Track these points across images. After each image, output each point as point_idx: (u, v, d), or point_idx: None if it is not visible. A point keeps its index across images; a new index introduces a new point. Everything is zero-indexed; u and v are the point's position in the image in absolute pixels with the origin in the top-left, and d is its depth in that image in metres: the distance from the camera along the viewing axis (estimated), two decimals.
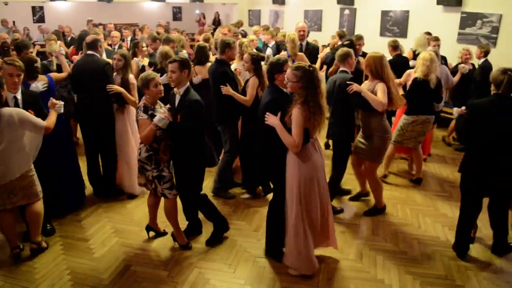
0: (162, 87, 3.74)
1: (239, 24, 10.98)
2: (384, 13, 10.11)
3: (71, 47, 8.13)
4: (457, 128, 4.24)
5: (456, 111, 4.27)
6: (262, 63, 4.76)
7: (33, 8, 15.08)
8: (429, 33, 7.48)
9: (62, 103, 3.89)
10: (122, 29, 9.31)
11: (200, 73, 5.35)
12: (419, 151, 5.44)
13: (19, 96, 3.75)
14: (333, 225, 3.79)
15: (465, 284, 3.53)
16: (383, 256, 3.91)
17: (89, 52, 4.78)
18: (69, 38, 9.81)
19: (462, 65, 6.21)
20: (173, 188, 3.81)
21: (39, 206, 3.74)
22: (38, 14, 15.22)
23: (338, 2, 11.33)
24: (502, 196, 3.80)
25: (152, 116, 3.60)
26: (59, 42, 9.48)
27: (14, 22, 13.30)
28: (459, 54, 6.65)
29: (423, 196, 5.17)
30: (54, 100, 3.84)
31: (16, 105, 3.69)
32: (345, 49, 4.71)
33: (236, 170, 5.46)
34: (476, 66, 6.67)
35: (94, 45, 4.79)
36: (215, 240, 4.05)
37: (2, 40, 6.65)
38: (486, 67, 6.36)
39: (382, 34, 10.18)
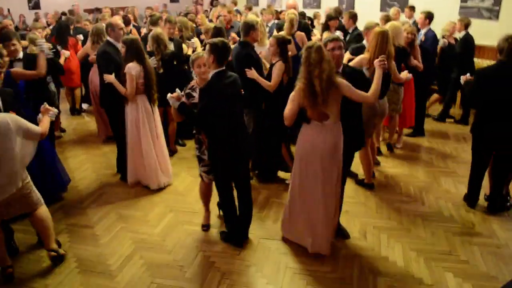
0: (204, 68, 3.58)
1: (234, 2, 10.79)
2: None
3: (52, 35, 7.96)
4: (465, 93, 4.52)
5: (462, 78, 4.31)
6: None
7: None
8: (411, 7, 7.71)
9: (56, 110, 3.65)
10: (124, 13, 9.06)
11: None
12: (395, 119, 5.56)
13: None
14: (333, 229, 3.66)
15: (469, 259, 3.55)
16: (387, 233, 3.92)
17: (107, 38, 4.93)
18: (51, 26, 9.59)
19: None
20: (211, 173, 3.81)
21: (43, 211, 3.49)
22: (33, 1, 14.98)
23: None
24: (505, 160, 4.10)
25: (187, 95, 3.62)
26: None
27: (9, 9, 13.13)
28: (446, 27, 6.58)
29: (426, 173, 5.16)
30: (47, 106, 3.61)
31: None
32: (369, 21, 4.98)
33: None
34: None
35: (103, 32, 5.00)
36: (225, 239, 3.88)
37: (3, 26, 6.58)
38: (467, 39, 6.49)
39: (382, 9, 10.00)
